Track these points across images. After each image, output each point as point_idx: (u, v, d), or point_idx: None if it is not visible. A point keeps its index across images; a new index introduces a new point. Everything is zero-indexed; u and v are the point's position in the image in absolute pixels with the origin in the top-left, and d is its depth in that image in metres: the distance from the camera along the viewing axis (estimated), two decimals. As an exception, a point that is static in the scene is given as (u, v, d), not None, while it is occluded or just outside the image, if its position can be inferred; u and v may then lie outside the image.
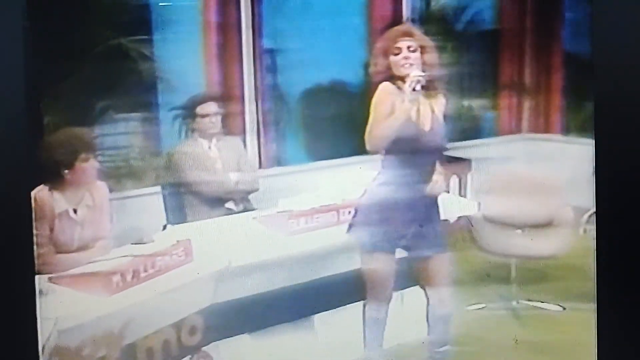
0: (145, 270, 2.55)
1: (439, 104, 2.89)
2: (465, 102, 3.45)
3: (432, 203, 2.90)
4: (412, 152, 2.84)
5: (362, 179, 2.98)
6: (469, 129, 3.51)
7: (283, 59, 3.51)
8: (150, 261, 2.58)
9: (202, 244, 2.78)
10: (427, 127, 2.85)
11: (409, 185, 2.86)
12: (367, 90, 3.04)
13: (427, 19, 3.55)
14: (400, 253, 2.90)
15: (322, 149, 3.48)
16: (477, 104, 3.49)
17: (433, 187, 2.87)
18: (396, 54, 2.84)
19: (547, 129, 3.67)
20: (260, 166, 3.53)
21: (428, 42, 2.88)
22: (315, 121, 3.50)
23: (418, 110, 2.83)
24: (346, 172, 3.20)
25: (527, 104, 3.63)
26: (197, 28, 3.28)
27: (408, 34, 2.86)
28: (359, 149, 2.94)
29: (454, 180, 3.44)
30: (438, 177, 2.89)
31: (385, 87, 2.84)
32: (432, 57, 2.87)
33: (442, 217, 2.93)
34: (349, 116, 3.31)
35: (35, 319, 2.39)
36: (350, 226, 2.91)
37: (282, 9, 3.43)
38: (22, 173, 2.35)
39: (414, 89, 2.79)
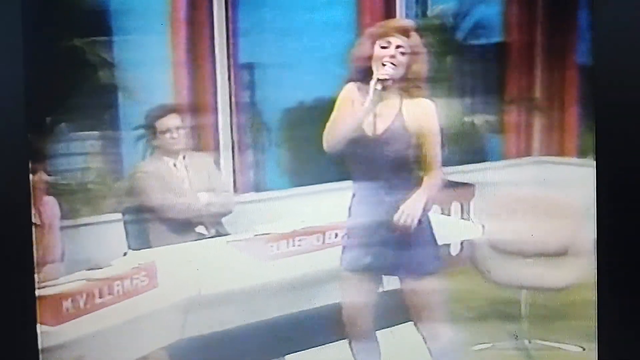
0: (101, 296, 2.47)
1: (419, 109, 2.86)
2: (467, 119, 3.48)
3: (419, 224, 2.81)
4: (370, 160, 2.82)
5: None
6: (471, 149, 3.55)
7: (261, 74, 3.54)
8: (106, 285, 2.50)
9: (168, 269, 2.72)
10: (382, 132, 2.83)
11: (384, 204, 2.83)
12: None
13: (424, 27, 3.48)
14: (388, 281, 2.86)
15: (305, 173, 3.50)
16: (480, 121, 3.50)
17: (400, 217, 2.81)
18: (383, 47, 2.82)
19: (560, 151, 3.68)
20: (235, 190, 3.51)
21: (422, 49, 2.86)
22: (298, 142, 3.52)
23: (376, 114, 2.83)
24: (332, 198, 3.16)
25: (537, 123, 3.65)
26: (165, 30, 3.28)
27: (404, 32, 2.84)
28: (348, 173, 2.90)
29: (455, 205, 3.43)
30: (408, 205, 2.83)
31: (349, 87, 2.86)
32: (421, 68, 2.85)
33: (438, 240, 2.87)
34: None
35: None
36: (344, 249, 2.90)
37: (260, 18, 3.45)
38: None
39: (376, 90, 2.78)
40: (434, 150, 2.83)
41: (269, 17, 3.42)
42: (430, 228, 2.85)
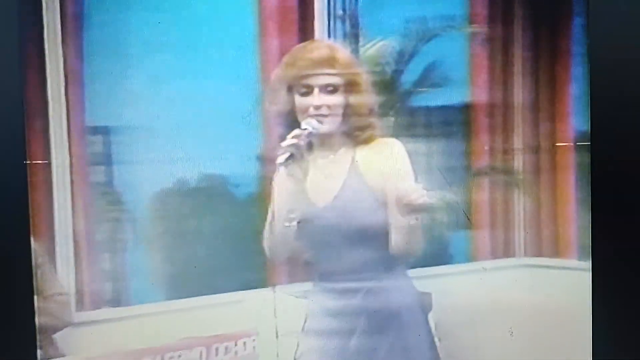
0: None
1: (380, 154, 2.42)
2: None
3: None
4: (324, 242, 2.37)
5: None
6: (426, 245, 2.88)
7: (120, 139, 2.92)
8: None
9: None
10: (333, 198, 2.38)
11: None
12: (263, 190, 2.64)
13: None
14: None
15: (189, 281, 2.94)
16: (437, 202, 2.91)
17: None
18: (304, 94, 2.33)
19: (555, 251, 3.13)
20: (77, 306, 2.92)
21: (358, 73, 2.40)
22: (177, 239, 2.94)
23: (322, 178, 2.37)
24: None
25: (519, 207, 3.09)
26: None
27: (329, 63, 2.35)
28: (255, 280, 2.70)
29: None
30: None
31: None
32: (364, 99, 2.39)
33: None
34: (234, 231, 2.81)
35: None
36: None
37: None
38: None
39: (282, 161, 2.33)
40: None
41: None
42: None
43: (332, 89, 2.35)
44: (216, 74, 2.87)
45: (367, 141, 2.41)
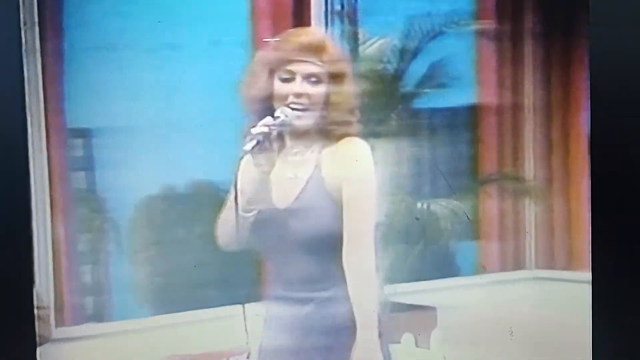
0: None
1: (342, 156, 2.18)
2: (422, 206, 2.85)
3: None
4: (281, 248, 2.16)
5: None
6: (430, 256, 2.93)
7: (102, 142, 2.83)
8: None
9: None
10: (293, 201, 2.17)
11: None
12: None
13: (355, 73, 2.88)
14: None
15: (176, 295, 2.84)
16: (441, 210, 2.85)
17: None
18: (285, 81, 2.14)
19: (569, 263, 3.08)
20: (57, 322, 2.81)
21: (345, 68, 2.18)
22: (164, 250, 2.84)
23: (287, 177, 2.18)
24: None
25: (530, 215, 3.02)
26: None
27: (316, 50, 2.16)
28: (248, 294, 2.58)
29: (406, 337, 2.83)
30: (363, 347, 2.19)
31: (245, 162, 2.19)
32: (345, 97, 2.16)
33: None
34: None
35: None
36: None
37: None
38: None
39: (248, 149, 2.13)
40: (363, 227, 2.15)
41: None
42: None
43: (316, 80, 2.17)
44: (206, 74, 2.78)
45: (336, 139, 2.21)
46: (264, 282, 2.58)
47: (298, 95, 2.14)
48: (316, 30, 2.50)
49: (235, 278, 2.76)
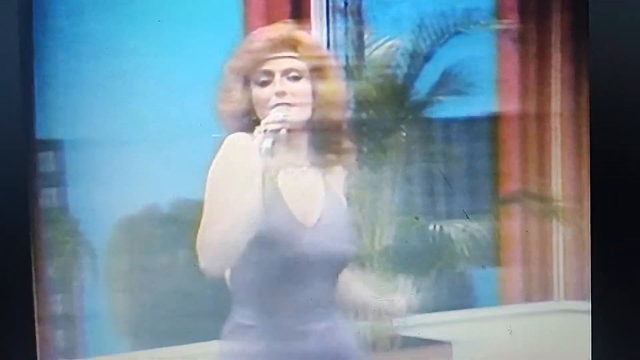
0: None
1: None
2: (433, 228, 2.68)
3: None
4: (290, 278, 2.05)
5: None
6: (443, 284, 2.75)
7: (76, 155, 2.65)
8: None
9: None
10: (310, 218, 2.05)
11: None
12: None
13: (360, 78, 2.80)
14: None
15: (159, 328, 2.64)
16: (456, 232, 2.67)
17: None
18: (263, 84, 2.02)
19: None
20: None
21: (326, 55, 2.16)
22: (145, 277, 2.66)
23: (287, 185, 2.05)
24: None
25: (558, 238, 2.84)
26: None
27: (290, 44, 2.06)
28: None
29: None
30: None
31: (235, 142, 2.05)
32: (335, 87, 2.06)
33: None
34: None
35: None
36: None
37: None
38: None
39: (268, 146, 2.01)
40: None
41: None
42: None
43: (296, 75, 2.04)
44: (194, 80, 2.57)
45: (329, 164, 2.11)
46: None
47: (281, 93, 2.01)
48: (285, 24, 2.21)
49: (227, 309, 2.43)
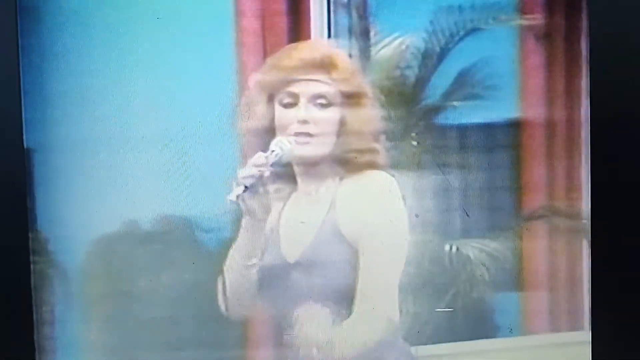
0: None
1: (366, 192, 2.10)
2: (449, 248, 2.44)
3: None
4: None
5: None
6: (462, 313, 2.52)
7: (45, 161, 2.38)
8: None
9: None
10: (296, 256, 2.07)
11: None
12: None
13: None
14: None
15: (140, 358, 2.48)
16: (475, 254, 2.45)
17: None
18: (287, 106, 2.00)
19: None
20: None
21: (364, 83, 2.09)
22: (124, 302, 2.42)
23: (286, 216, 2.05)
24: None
25: (589, 262, 2.56)
26: None
27: (323, 67, 2.03)
28: (230, 357, 2.25)
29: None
30: None
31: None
32: (368, 119, 2.05)
33: None
34: (202, 291, 2.33)
35: None
36: None
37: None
38: None
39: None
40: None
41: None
42: None
43: (325, 103, 2.01)
44: (181, 84, 2.32)
45: (357, 170, 2.06)
46: (250, 343, 2.29)
47: (303, 121, 1.98)
48: (322, 43, 2.20)
49: (215, 338, 2.36)
